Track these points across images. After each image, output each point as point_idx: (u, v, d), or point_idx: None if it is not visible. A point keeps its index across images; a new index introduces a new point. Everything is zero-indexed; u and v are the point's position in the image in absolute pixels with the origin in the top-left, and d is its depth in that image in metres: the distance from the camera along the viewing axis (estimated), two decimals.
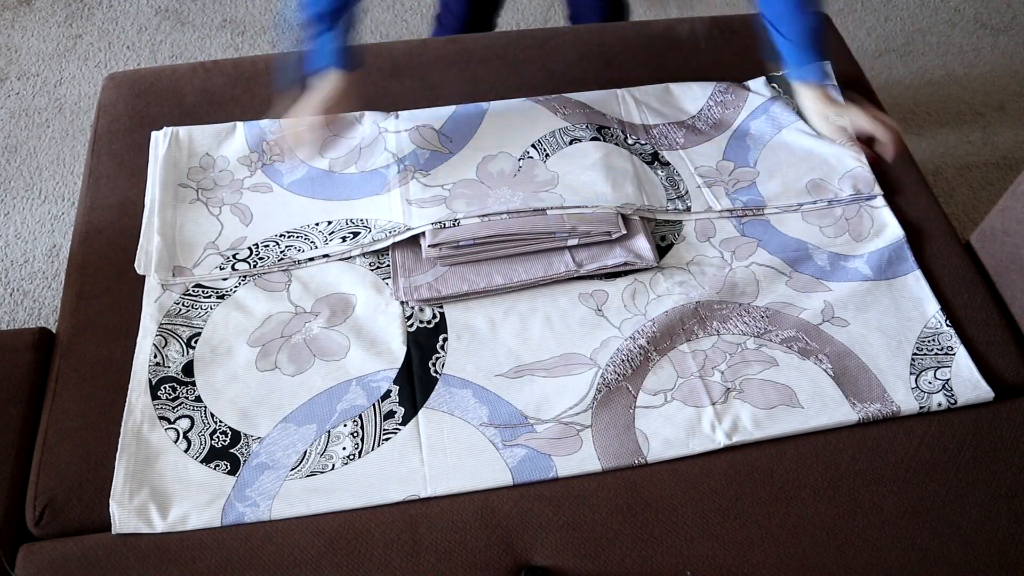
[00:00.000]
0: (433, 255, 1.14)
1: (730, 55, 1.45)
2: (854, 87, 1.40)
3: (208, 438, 1.01)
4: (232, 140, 1.29)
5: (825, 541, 0.95)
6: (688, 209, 1.23)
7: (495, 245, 1.15)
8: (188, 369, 1.07)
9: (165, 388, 1.05)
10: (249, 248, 1.18)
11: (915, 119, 2.03)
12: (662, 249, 1.19)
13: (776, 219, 1.23)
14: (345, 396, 1.04)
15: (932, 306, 1.14)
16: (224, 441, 1.01)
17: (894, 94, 2.07)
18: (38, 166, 1.89)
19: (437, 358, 1.08)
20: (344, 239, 1.18)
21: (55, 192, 1.84)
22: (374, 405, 1.04)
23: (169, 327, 1.10)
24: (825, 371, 1.07)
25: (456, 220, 1.16)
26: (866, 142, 1.29)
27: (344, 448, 1.01)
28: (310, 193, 1.24)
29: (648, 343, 1.09)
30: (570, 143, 1.27)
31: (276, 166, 1.28)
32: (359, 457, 1.00)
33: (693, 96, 1.37)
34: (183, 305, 1.12)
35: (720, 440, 1.01)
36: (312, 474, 0.99)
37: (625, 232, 1.17)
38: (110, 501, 0.96)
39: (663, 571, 0.93)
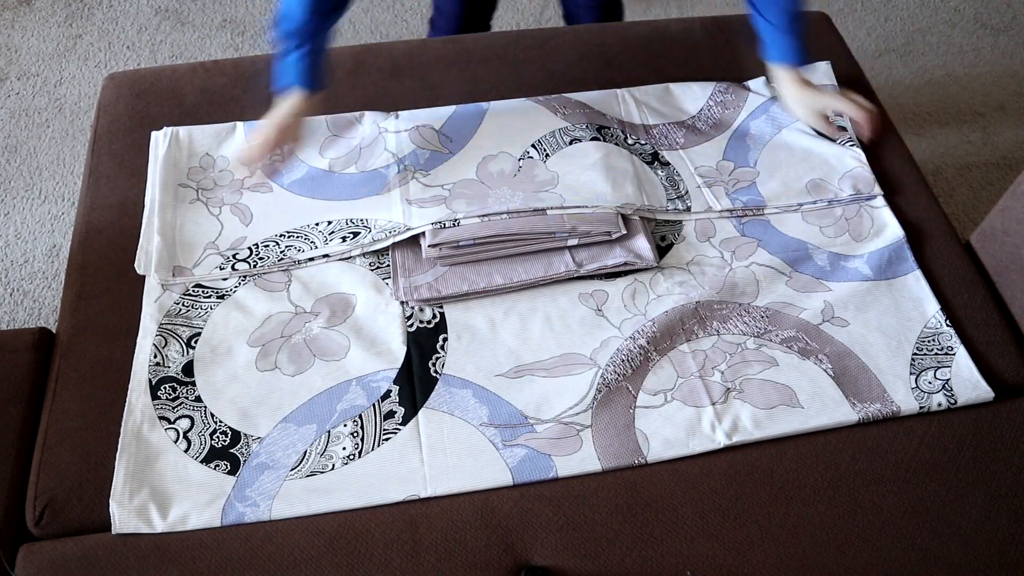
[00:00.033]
0: (433, 255, 1.14)
1: (730, 55, 1.45)
2: (854, 87, 1.40)
3: (208, 438, 1.01)
4: (232, 140, 1.29)
5: (825, 541, 0.95)
6: (688, 209, 1.23)
7: (495, 245, 1.15)
8: (188, 369, 1.07)
9: (165, 388, 1.05)
10: (249, 248, 1.18)
11: (915, 119, 2.03)
12: (662, 249, 1.19)
13: (776, 219, 1.23)
14: (345, 396, 1.04)
15: (932, 306, 1.14)
16: (224, 441, 1.01)
17: (894, 94, 2.07)
18: (38, 166, 1.89)
19: (437, 358, 1.08)
20: (344, 239, 1.18)
21: (55, 192, 1.84)
22: (374, 405, 1.04)
23: (169, 327, 1.10)
24: (825, 371, 1.07)
25: (456, 220, 1.16)
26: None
27: (344, 448, 1.01)
28: (310, 193, 1.24)
29: (648, 343, 1.09)
30: (570, 143, 1.27)
31: (276, 166, 1.27)
32: (359, 457, 1.00)
33: (693, 96, 1.37)
34: (183, 305, 1.12)
35: (720, 440, 1.01)
36: (312, 474, 0.99)
37: (625, 232, 1.17)
38: (110, 501, 0.96)
39: (663, 571, 0.93)
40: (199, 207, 1.22)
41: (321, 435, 1.02)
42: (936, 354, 1.09)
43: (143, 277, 1.15)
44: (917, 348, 1.10)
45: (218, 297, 1.13)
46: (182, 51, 2.14)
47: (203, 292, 1.14)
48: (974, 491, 0.98)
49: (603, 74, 1.41)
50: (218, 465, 0.99)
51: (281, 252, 1.17)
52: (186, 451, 1.00)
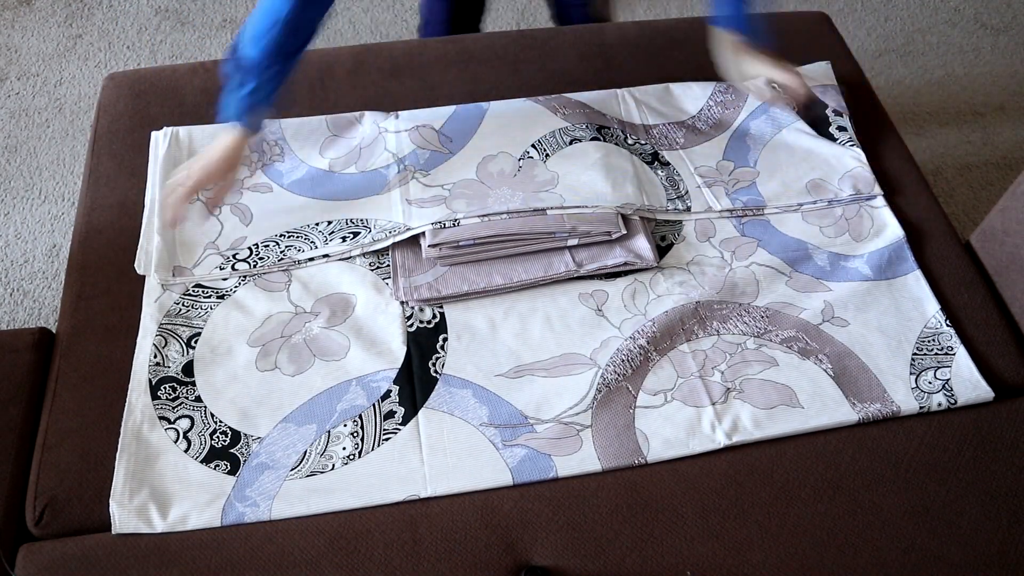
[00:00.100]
0: (433, 255, 1.14)
1: None
2: (854, 87, 1.40)
3: (208, 438, 1.01)
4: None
5: (825, 541, 0.95)
6: (688, 209, 1.23)
7: (495, 245, 1.15)
8: (188, 369, 1.07)
9: (165, 388, 1.05)
10: (249, 248, 1.18)
11: (915, 119, 2.03)
12: (662, 249, 1.19)
13: (776, 219, 1.23)
14: (345, 396, 1.04)
15: (932, 306, 1.14)
16: (224, 441, 1.01)
17: (894, 94, 2.07)
18: (38, 166, 1.89)
19: (437, 358, 1.08)
20: (344, 239, 1.18)
21: (55, 192, 1.84)
22: (374, 405, 1.04)
23: (169, 327, 1.10)
24: (825, 371, 1.07)
25: (456, 220, 1.16)
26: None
27: (344, 448, 1.01)
28: (310, 193, 1.24)
29: (648, 343, 1.09)
30: (570, 143, 1.27)
31: (276, 166, 1.28)
32: (359, 457, 1.00)
33: (693, 96, 1.37)
34: (183, 305, 1.12)
35: (720, 440, 1.01)
36: (312, 474, 0.99)
37: (625, 232, 1.17)
38: (110, 501, 0.96)
39: (663, 571, 0.93)
40: (199, 207, 1.22)
41: (321, 435, 1.01)
42: (936, 354, 1.09)
43: (143, 277, 1.15)
44: (917, 348, 1.10)
45: (218, 297, 1.13)
46: (182, 51, 2.14)
47: (203, 292, 1.14)
48: (974, 491, 0.98)
49: (603, 74, 1.41)
50: (218, 465, 0.99)
51: (281, 252, 1.17)
52: (186, 451, 1.00)
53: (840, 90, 1.37)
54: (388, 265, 1.16)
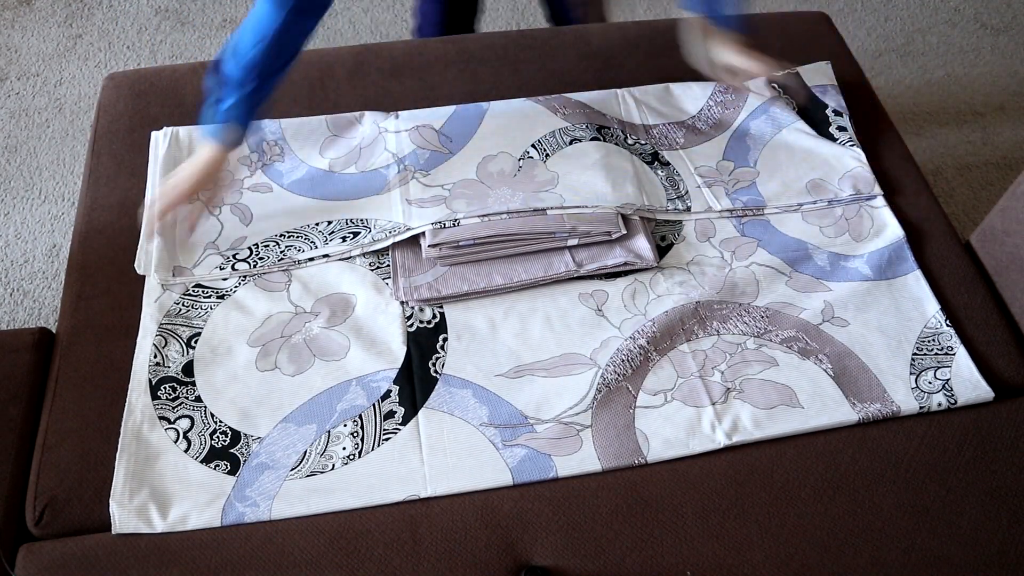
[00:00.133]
0: (433, 255, 1.14)
1: None
2: (854, 87, 1.40)
3: (208, 438, 1.01)
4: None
5: (825, 541, 0.95)
6: (688, 209, 1.23)
7: (495, 245, 1.15)
8: (188, 369, 1.07)
9: (165, 388, 1.05)
10: (249, 248, 1.18)
11: (915, 119, 2.03)
12: (662, 249, 1.19)
13: (776, 219, 1.23)
14: (345, 396, 1.04)
15: (932, 306, 1.14)
16: (224, 441, 1.01)
17: (894, 94, 2.07)
18: (38, 166, 1.89)
19: (437, 358, 1.08)
20: (344, 239, 1.18)
21: (55, 192, 1.84)
22: (374, 405, 1.04)
23: (169, 327, 1.10)
24: (825, 371, 1.07)
25: (456, 220, 1.16)
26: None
27: (344, 448, 1.01)
28: (310, 193, 1.24)
29: (648, 343, 1.09)
30: (570, 143, 1.27)
31: (276, 166, 1.28)
32: (359, 457, 1.00)
33: (693, 96, 1.37)
34: (183, 305, 1.12)
35: (720, 440, 1.01)
36: (312, 474, 0.99)
37: (625, 232, 1.17)
38: (110, 501, 0.96)
39: (663, 571, 0.93)
40: (199, 207, 1.22)
41: (321, 435, 1.01)
42: (936, 354, 1.09)
43: (143, 277, 1.15)
44: (917, 348, 1.10)
45: (218, 297, 1.13)
46: (182, 51, 2.14)
47: (203, 292, 1.14)
48: (974, 491, 0.98)
49: (603, 74, 1.41)
50: (218, 465, 0.99)
51: (281, 252, 1.17)
52: (186, 451, 1.00)
53: (840, 91, 1.37)
54: (388, 265, 1.16)
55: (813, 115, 1.34)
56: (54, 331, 1.14)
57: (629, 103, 1.36)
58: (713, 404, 1.04)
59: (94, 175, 1.27)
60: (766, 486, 0.98)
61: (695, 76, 1.40)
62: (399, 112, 1.33)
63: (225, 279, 1.15)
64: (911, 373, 1.07)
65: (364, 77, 1.39)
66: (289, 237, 1.19)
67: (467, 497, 0.97)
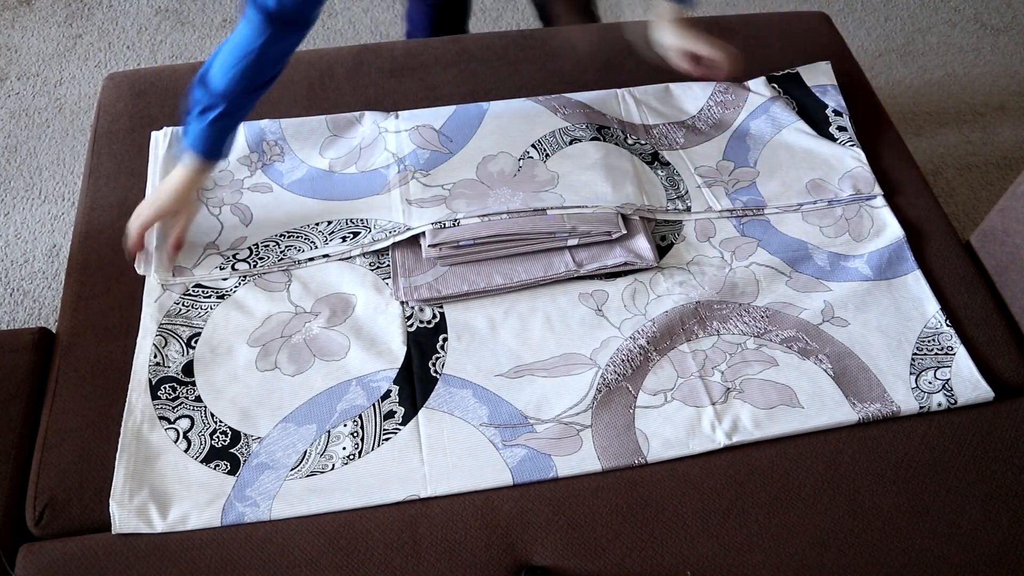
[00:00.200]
0: (433, 255, 1.14)
1: None
2: (854, 87, 1.40)
3: (208, 438, 1.01)
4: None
5: (825, 541, 0.95)
6: (688, 209, 1.23)
7: (495, 245, 1.15)
8: (188, 369, 1.07)
9: (165, 388, 1.05)
10: (249, 248, 1.18)
11: (915, 119, 2.03)
12: (662, 249, 1.19)
13: (776, 219, 1.23)
14: (345, 396, 1.04)
15: (932, 306, 1.14)
16: (224, 441, 1.01)
17: (894, 94, 2.08)
18: (38, 166, 1.89)
19: (437, 358, 1.08)
20: (344, 239, 1.18)
21: (55, 192, 1.84)
22: (374, 405, 1.04)
23: (169, 327, 1.10)
24: (825, 371, 1.07)
25: (456, 220, 1.16)
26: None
27: (344, 448, 1.01)
28: (310, 193, 1.24)
29: (648, 343, 1.09)
30: (570, 143, 1.27)
31: (276, 166, 1.28)
32: (359, 457, 1.00)
33: (693, 96, 1.37)
34: (183, 305, 1.12)
35: (720, 440, 1.01)
36: (312, 474, 0.99)
37: (625, 232, 1.17)
38: (110, 501, 0.96)
39: (663, 571, 0.93)
40: (199, 207, 1.22)
41: (321, 435, 1.02)
42: (936, 354, 1.09)
43: (143, 277, 1.15)
44: (917, 348, 1.10)
45: (218, 297, 1.13)
46: (182, 51, 2.14)
47: (203, 292, 1.14)
48: (974, 491, 0.98)
49: (603, 74, 1.41)
50: (218, 465, 0.99)
51: (281, 252, 1.17)
52: (186, 451, 1.00)
53: (840, 90, 1.37)
54: (388, 265, 1.16)
55: (813, 115, 1.34)
56: (54, 331, 1.14)
57: (629, 103, 1.36)
58: (713, 404, 1.04)
59: (94, 175, 1.27)
60: (766, 486, 0.98)
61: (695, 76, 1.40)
62: (399, 112, 1.33)
63: (225, 279, 1.15)
64: (911, 373, 1.07)
65: (364, 77, 1.39)
66: (289, 237, 1.19)
67: (467, 497, 0.97)
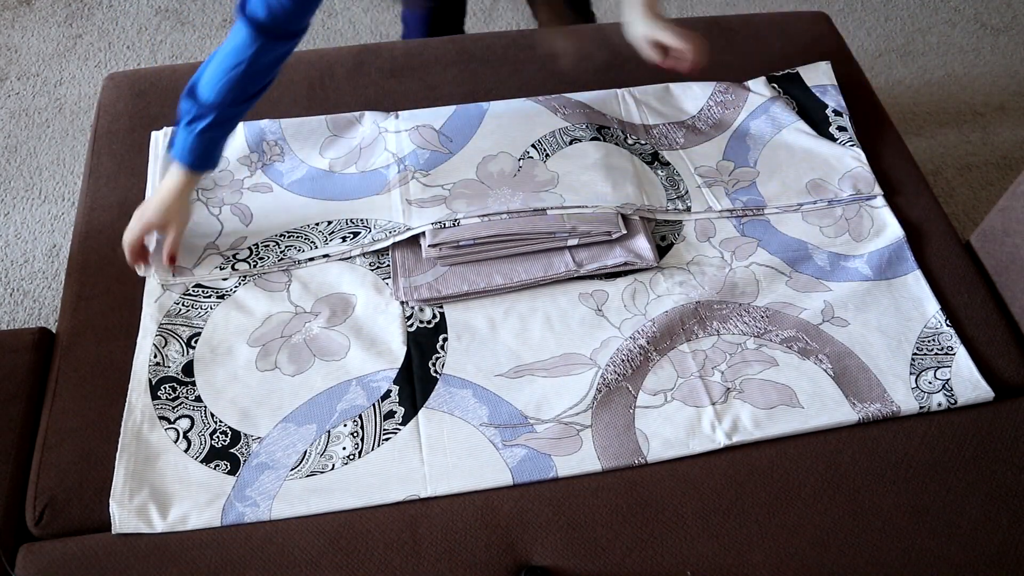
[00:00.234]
0: (433, 255, 1.14)
1: (730, 55, 1.45)
2: (854, 87, 1.40)
3: (208, 438, 1.01)
4: (232, 140, 1.29)
5: (825, 541, 0.95)
6: (688, 209, 1.23)
7: (495, 245, 1.15)
8: (188, 369, 1.07)
9: (165, 388, 1.05)
10: (249, 248, 1.18)
11: (915, 119, 2.03)
12: (662, 249, 1.19)
13: (776, 219, 1.23)
14: (345, 396, 1.04)
15: (932, 306, 1.14)
16: (224, 441, 1.01)
17: (894, 94, 2.07)
18: (38, 166, 1.89)
19: (437, 358, 1.08)
20: (344, 239, 1.18)
21: (55, 192, 1.84)
22: (374, 405, 1.04)
23: (169, 327, 1.10)
24: (825, 371, 1.07)
25: (456, 220, 1.16)
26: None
27: (344, 448, 1.01)
28: (310, 193, 1.24)
29: (648, 343, 1.09)
30: (570, 143, 1.27)
31: (276, 166, 1.28)
32: (359, 457, 1.00)
33: (693, 96, 1.37)
34: (183, 305, 1.12)
35: (720, 440, 1.01)
36: (312, 474, 0.99)
37: (625, 232, 1.17)
38: (110, 501, 0.96)
39: (663, 571, 0.93)
40: (199, 207, 1.22)
41: (321, 435, 1.02)
42: (936, 354, 1.09)
43: (143, 277, 1.15)
44: (917, 348, 1.10)
45: (218, 297, 1.13)
46: (182, 51, 2.14)
47: (203, 292, 1.14)
48: (974, 491, 0.98)
49: (603, 74, 1.41)
50: (218, 465, 0.99)
51: (281, 252, 1.17)
52: (186, 451, 1.00)
53: (840, 90, 1.37)
54: (388, 265, 1.16)
55: (813, 115, 1.34)
56: (54, 331, 1.14)
57: (629, 103, 1.36)
58: (713, 404, 1.04)
59: (94, 175, 1.27)
60: (766, 486, 0.98)
61: (695, 76, 1.40)
62: (399, 112, 1.33)
63: (225, 279, 1.15)
64: (911, 373, 1.07)
65: (364, 77, 1.39)
66: (289, 237, 1.19)
67: (467, 497, 0.97)
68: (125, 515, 0.95)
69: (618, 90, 1.38)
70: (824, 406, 1.04)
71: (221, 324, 1.11)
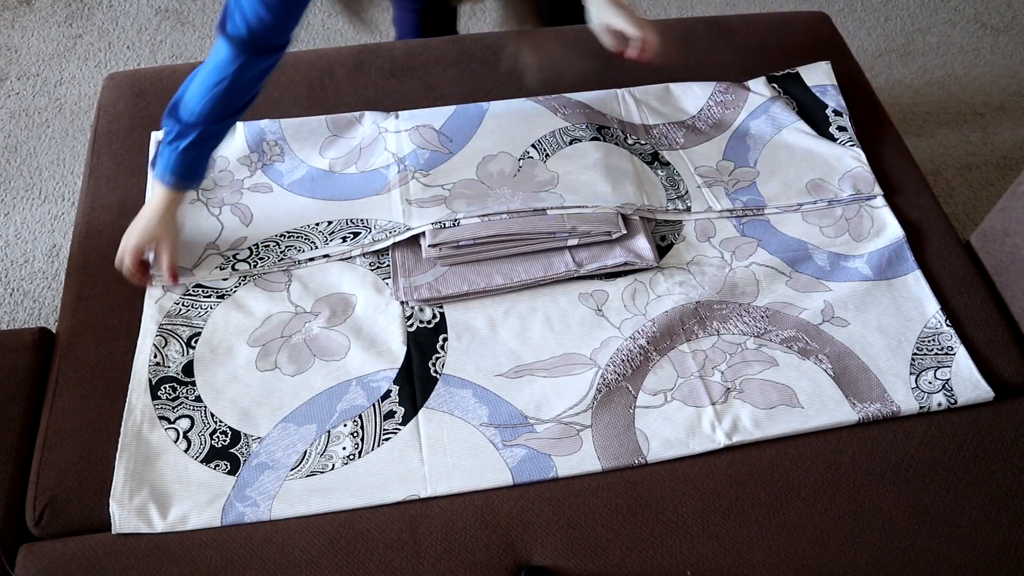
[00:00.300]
0: (433, 255, 1.14)
1: (730, 55, 1.45)
2: (854, 87, 1.40)
3: (208, 438, 1.01)
4: (232, 140, 1.29)
5: (825, 541, 0.95)
6: (688, 209, 1.23)
7: (495, 245, 1.15)
8: (188, 369, 1.07)
9: (165, 388, 1.05)
10: (249, 248, 1.18)
11: (915, 119, 2.03)
12: (662, 249, 1.19)
13: (776, 219, 1.23)
14: (345, 396, 1.04)
15: (932, 306, 1.14)
16: (224, 441, 1.01)
17: (894, 94, 2.07)
18: (38, 166, 1.89)
19: (437, 358, 1.08)
20: (344, 239, 1.18)
21: (55, 192, 1.84)
22: (374, 405, 1.04)
23: (169, 327, 1.10)
24: (825, 371, 1.07)
25: (456, 220, 1.16)
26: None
27: (344, 448, 1.01)
28: (310, 193, 1.24)
29: (648, 343, 1.09)
30: (570, 143, 1.27)
31: (276, 166, 1.28)
32: (359, 457, 1.00)
33: (693, 96, 1.37)
34: (183, 305, 1.12)
35: (720, 440, 1.01)
36: (312, 474, 0.99)
37: (625, 232, 1.17)
38: (110, 501, 0.96)
39: (663, 571, 0.93)
40: (199, 207, 1.22)
41: (321, 435, 1.01)
42: (936, 354, 1.09)
43: None
44: (917, 348, 1.10)
45: (218, 297, 1.13)
46: (182, 51, 2.14)
47: (203, 292, 1.14)
48: (974, 491, 0.98)
49: (603, 74, 1.41)
50: (218, 465, 0.99)
51: (281, 252, 1.17)
52: (186, 451, 1.00)
53: (840, 90, 1.37)
54: (388, 265, 1.16)
55: (813, 115, 1.34)
56: (54, 331, 1.14)
57: (629, 103, 1.36)
58: (713, 404, 1.04)
59: (94, 175, 1.27)
60: (766, 486, 0.98)
61: (695, 76, 1.40)
62: (399, 112, 1.33)
63: (225, 279, 1.15)
64: (911, 373, 1.07)
65: (364, 77, 1.39)
66: (289, 237, 1.19)
67: (467, 497, 0.97)
68: (125, 515, 0.95)
69: (618, 90, 1.38)
70: (824, 406, 1.04)
71: (221, 324, 1.11)
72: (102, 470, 0.99)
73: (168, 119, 1.06)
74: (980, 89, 2.10)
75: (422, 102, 1.36)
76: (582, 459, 1.00)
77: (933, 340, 1.10)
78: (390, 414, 1.03)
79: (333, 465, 0.99)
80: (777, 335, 1.10)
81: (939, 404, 1.05)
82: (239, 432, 1.02)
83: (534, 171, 1.24)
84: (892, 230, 1.21)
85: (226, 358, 1.08)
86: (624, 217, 1.19)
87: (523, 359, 1.08)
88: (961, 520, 0.96)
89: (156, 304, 1.12)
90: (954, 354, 1.09)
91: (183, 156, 1.07)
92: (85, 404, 1.04)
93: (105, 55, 2.13)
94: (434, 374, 1.06)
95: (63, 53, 2.12)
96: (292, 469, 0.99)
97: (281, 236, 1.19)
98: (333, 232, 1.19)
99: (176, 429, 1.02)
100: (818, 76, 1.39)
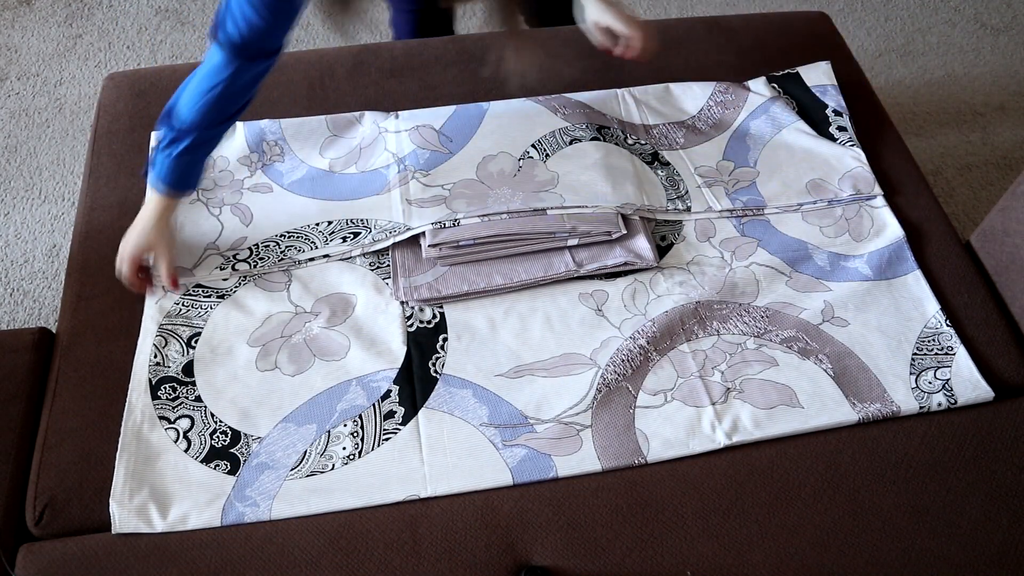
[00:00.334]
0: (433, 255, 1.14)
1: (730, 55, 1.45)
2: (854, 87, 1.40)
3: (208, 438, 1.01)
4: (232, 140, 1.29)
5: (825, 541, 0.95)
6: (688, 209, 1.23)
7: (495, 245, 1.15)
8: (188, 369, 1.07)
9: (165, 388, 1.05)
10: (249, 248, 1.18)
11: (915, 119, 2.03)
12: (662, 249, 1.19)
13: (776, 219, 1.23)
14: (345, 396, 1.04)
15: (932, 306, 1.14)
16: (224, 441, 1.01)
17: (894, 94, 2.07)
18: (38, 166, 1.89)
19: (437, 358, 1.08)
20: (344, 239, 1.18)
21: (55, 192, 1.84)
22: (374, 405, 1.04)
23: (169, 327, 1.10)
24: (825, 371, 1.07)
25: (456, 220, 1.16)
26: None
27: (344, 448, 1.01)
28: (310, 193, 1.24)
29: (648, 343, 1.09)
30: (570, 143, 1.27)
31: (276, 166, 1.28)
32: (359, 457, 1.00)
33: (693, 96, 1.37)
34: (183, 305, 1.12)
35: (720, 440, 1.01)
36: (312, 474, 0.99)
37: (625, 232, 1.17)
38: (110, 501, 0.96)
39: (663, 571, 0.93)
40: (199, 207, 1.22)
41: (321, 435, 1.02)
42: (936, 354, 1.09)
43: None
44: (917, 348, 1.10)
45: (218, 297, 1.13)
46: (182, 51, 2.14)
47: (203, 292, 1.14)
48: (974, 491, 0.98)
49: (603, 74, 1.41)
50: (218, 465, 0.99)
51: (281, 252, 1.17)
52: (186, 451, 1.00)
53: (840, 90, 1.37)
54: (388, 265, 1.16)
55: (813, 115, 1.34)
56: (54, 331, 1.14)
57: (629, 103, 1.36)
58: (713, 404, 1.04)
59: (94, 175, 1.27)
60: (766, 486, 0.98)
61: (695, 76, 1.40)
62: (399, 112, 1.33)
63: (225, 279, 1.15)
64: (911, 373, 1.07)
65: (364, 77, 1.39)
66: (289, 237, 1.19)
67: (467, 497, 0.97)
68: (125, 515, 0.95)
69: (618, 90, 1.38)
70: (824, 406, 1.04)
71: (221, 324, 1.11)
72: (102, 470, 0.99)
73: (162, 125, 1.06)
74: (980, 89, 2.10)
75: (422, 102, 1.36)
76: (582, 459, 1.00)
77: (933, 340, 1.10)
78: (390, 414, 1.03)
79: (333, 465, 0.99)
80: (777, 335, 1.10)
81: (939, 404, 1.05)
82: (239, 432, 1.02)
83: (534, 171, 1.24)
84: (892, 230, 1.21)
85: (226, 358, 1.08)
86: (624, 217, 1.19)
87: (523, 359, 1.08)
88: (961, 520, 0.96)
89: (156, 304, 1.12)
90: (954, 354, 1.09)
91: (177, 162, 1.06)
92: (85, 404, 1.04)
93: (105, 55, 2.13)
94: (434, 374, 1.06)
95: (63, 53, 2.12)
96: (292, 469, 0.99)
97: (281, 236, 1.19)
98: (333, 232, 1.19)
99: (176, 429, 1.02)
100: (818, 76, 1.39)
